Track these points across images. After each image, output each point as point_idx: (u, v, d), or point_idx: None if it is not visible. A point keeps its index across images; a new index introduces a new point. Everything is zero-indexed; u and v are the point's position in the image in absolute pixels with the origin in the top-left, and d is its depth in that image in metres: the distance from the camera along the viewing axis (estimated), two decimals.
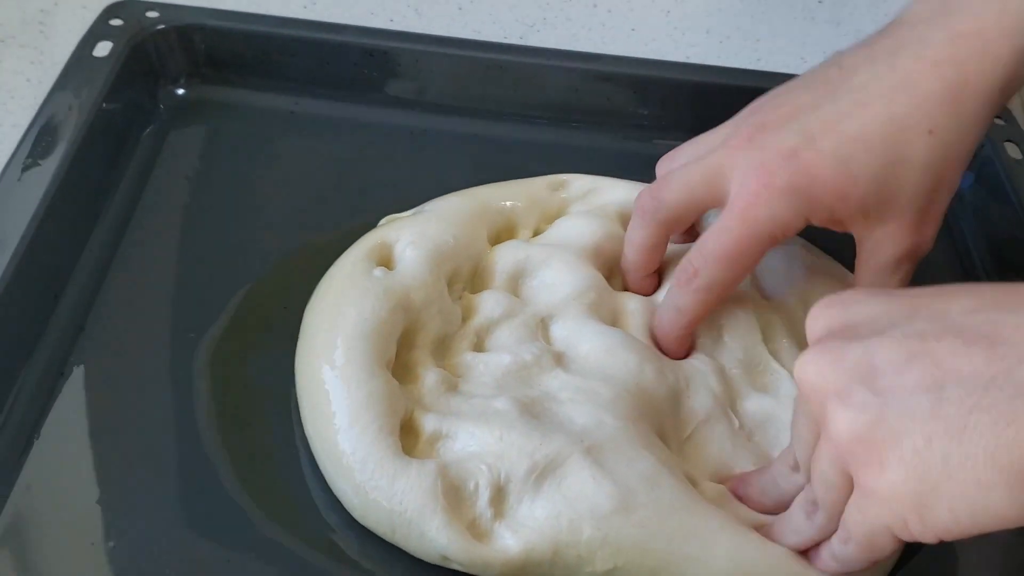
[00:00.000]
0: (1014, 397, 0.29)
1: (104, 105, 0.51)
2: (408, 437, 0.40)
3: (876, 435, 0.31)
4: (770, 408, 0.44)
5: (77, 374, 0.44)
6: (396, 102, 0.58)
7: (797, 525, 0.38)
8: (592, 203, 0.50)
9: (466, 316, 0.45)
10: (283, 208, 0.52)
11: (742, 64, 0.65)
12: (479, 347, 0.45)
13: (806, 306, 0.39)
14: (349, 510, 0.40)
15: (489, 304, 0.45)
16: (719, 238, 0.41)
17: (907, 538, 0.32)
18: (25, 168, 0.47)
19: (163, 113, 0.56)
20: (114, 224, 0.50)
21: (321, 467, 0.41)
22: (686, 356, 0.45)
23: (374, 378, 0.41)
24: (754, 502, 0.41)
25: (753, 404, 0.44)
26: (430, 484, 0.38)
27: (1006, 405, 0.29)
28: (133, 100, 0.54)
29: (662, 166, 0.47)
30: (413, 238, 0.45)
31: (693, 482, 0.41)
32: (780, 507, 0.40)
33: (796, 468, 0.39)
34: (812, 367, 0.34)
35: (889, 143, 0.40)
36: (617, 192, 0.51)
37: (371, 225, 0.49)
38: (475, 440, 0.40)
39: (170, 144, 0.55)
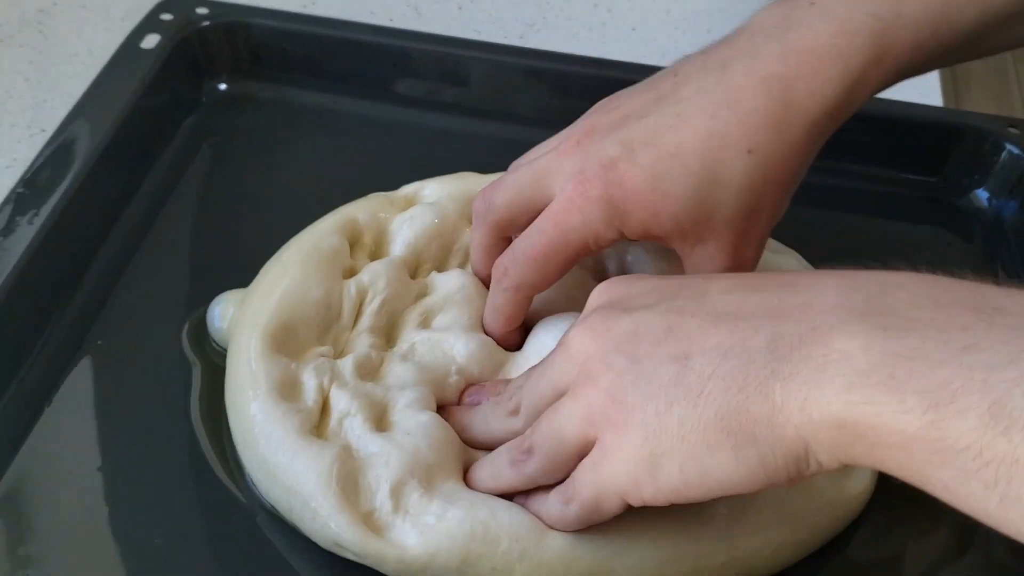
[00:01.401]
0: (746, 364, 0.31)
1: (146, 95, 0.53)
2: (324, 415, 0.40)
3: (627, 398, 0.33)
4: None
5: (94, 348, 0.46)
6: (434, 104, 0.59)
7: (498, 470, 0.38)
8: None
9: (422, 294, 0.45)
10: (315, 203, 0.52)
11: None
12: (426, 324, 0.44)
13: None
14: (255, 484, 0.40)
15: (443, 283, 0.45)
16: (531, 239, 0.41)
17: (636, 502, 0.34)
18: (63, 147, 0.49)
19: (205, 106, 0.58)
20: (146, 208, 0.52)
21: (233, 438, 0.41)
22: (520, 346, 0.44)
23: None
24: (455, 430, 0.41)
25: None
26: (326, 467, 0.37)
27: (738, 372, 0.31)
28: (176, 92, 0.56)
29: (512, 166, 0.45)
30: None
31: None
32: (478, 444, 0.40)
33: (515, 413, 0.39)
34: (588, 332, 0.35)
35: (706, 160, 0.39)
36: None
37: None
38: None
39: (209, 136, 0.56)
